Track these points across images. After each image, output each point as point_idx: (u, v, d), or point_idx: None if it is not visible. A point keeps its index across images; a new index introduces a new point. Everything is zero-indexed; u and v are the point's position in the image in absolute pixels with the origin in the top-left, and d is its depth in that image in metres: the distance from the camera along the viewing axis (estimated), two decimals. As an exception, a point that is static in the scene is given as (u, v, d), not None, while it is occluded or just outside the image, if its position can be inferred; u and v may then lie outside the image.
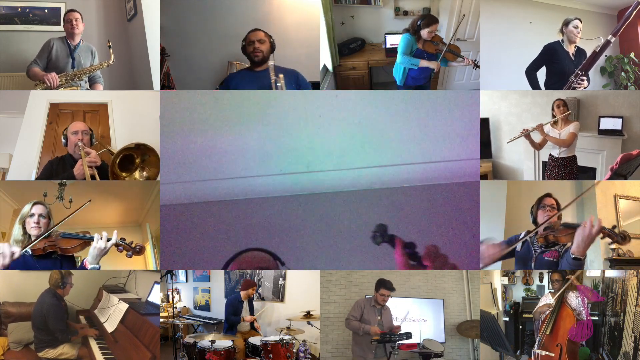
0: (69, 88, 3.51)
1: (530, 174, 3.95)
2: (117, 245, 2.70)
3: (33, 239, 2.72)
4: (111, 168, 3.05)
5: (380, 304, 3.43)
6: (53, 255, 2.75)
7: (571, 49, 3.51)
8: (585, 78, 3.36)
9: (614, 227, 2.69)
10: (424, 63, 3.61)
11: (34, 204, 2.79)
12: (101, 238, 2.65)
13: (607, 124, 3.72)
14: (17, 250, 2.62)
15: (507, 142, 3.62)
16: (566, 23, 3.48)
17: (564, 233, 2.76)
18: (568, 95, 3.73)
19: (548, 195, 2.97)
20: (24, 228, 2.76)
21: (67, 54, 3.55)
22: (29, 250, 2.69)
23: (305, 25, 3.86)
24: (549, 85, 3.54)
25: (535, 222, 2.95)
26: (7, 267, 2.62)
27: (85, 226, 2.81)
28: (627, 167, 3.12)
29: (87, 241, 2.72)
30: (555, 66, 3.51)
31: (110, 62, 3.56)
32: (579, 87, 3.39)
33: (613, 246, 3.34)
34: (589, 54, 3.43)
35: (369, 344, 3.32)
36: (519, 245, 2.91)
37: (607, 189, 3.64)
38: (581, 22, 3.48)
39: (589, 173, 3.73)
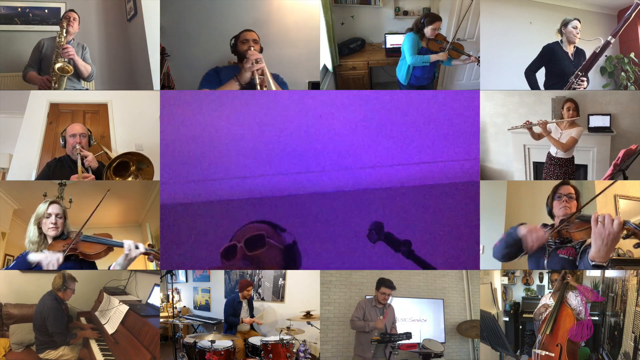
0: (70, 80, 3.49)
1: (520, 176, 3.95)
2: (146, 253, 2.66)
3: (50, 240, 2.69)
4: (105, 171, 3.05)
5: (381, 303, 3.43)
6: (72, 257, 2.68)
7: (570, 50, 3.51)
8: (585, 79, 3.36)
9: None
10: (434, 58, 3.63)
11: (50, 203, 2.73)
12: (136, 247, 2.61)
13: (596, 121, 3.75)
14: (61, 256, 2.59)
15: (508, 130, 3.62)
16: (565, 24, 3.47)
17: (578, 228, 2.37)
18: (557, 94, 3.75)
19: (565, 182, 2.67)
20: (39, 229, 2.69)
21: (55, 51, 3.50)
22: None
23: (305, 25, 3.85)
24: (548, 86, 3.55)
25: (550, 213, 2.68)
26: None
27: (86, 226, 2.77)
28: (628, 162, 3.12)
29: (110, 247, 2.67)
30: (555, 67, 3.51)
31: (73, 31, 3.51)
32: (579, 88, 3.39)
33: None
34: (588, 54, 3.42)
35: (368, 344, 3.32)
36: None
37: (606, 189, 3.64)
38: (580, 22, 3.47)
39: (581, 170, 3.75)
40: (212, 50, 3.90)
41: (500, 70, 3.75)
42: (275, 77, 3.21)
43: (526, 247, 2.40)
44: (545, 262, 2.57)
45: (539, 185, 3.66)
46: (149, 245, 2.68)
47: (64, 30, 3.47)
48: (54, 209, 2.72)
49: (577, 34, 3.46)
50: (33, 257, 2.59)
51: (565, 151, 3.46)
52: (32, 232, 2.70)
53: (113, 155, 3.24)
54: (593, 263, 2.21)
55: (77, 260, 2.71)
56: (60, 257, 2.59)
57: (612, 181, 2.98)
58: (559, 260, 2.53)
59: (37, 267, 2.64)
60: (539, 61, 3.54)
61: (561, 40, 3.51)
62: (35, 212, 2.72)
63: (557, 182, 2.73)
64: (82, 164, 3.12)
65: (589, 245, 2.30)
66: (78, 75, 3.55)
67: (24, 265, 2.60)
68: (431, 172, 3.72)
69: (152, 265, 3.86)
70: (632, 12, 3.18)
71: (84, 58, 3.59)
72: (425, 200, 3.60)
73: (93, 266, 2.80)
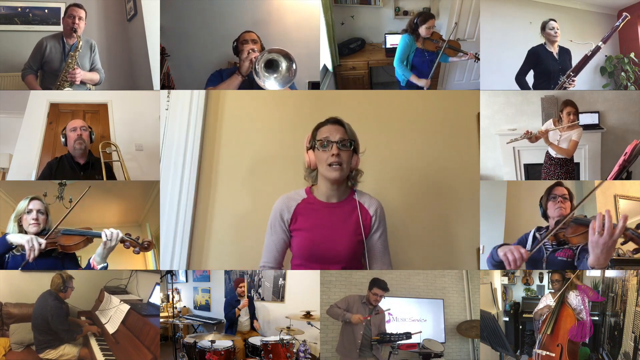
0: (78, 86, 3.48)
1: (511, 179, 3.96)
2: (122, 241, 2.59)
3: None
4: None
5: (372, 304, 3.40)
6: (53, 253, 2.64)
7: (554, 49, 3.58)
8: (575, 79, 3.42)
9: (638, 226, 2.20)
10: (413, 79, 3.63)
11: (31, 199, 2.68)
12: (109, 238, 2.54)
13: (585, 119, 3.81)
14: (44, 242, 2.52)
15: (507, 143, 3.63)
16: (542, 27, 3.56)
17: (575, 232, 2.33)
18: (546, 94, 3.84)
19: (559, 184, 2.69)
20: (20, 226, 2.64)
21: (60, 57, 3.45)
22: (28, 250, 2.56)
23: (305, 25, 3.85)
24: (537, 86, 3.61)
25: (544, 215, 2.71)
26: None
27: (84, 226, 2.74)
28: (634, 158, 3.12)
29: (89, 238, 2.63)
30: (541, 67, 3.58)
31: (80, 45, 3.45)
32: (569, 88, 3.45)
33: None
34: (574, 54, 3.55)
35: (354, 342, 3.28)
36: (529, 243, 2.62)
37: (607, 189, 3.65)
38: (556, 21, 3.55)
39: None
40: (212, 50, 3.90)
41: (500, 70, 3.76)
42: (291, 86, 3.24)
43: (507, 266, 2.37)
44: (544, 265, 2.61)
45: (539, 185, 3.66)
46: (127, 234, 2.61)
47: (77, 50, 3.42)
48: (35, 204, 2.66)
49: (556, 33, 3.53)
50: (13, 238, 2.52)
51: (570, 156, 3.47)
52: (11, 229, 2.64)
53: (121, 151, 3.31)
54: (592, 269, 2.20)
55: (58, 256, 2.67)
56: (43, 242, 2.52)
57: (600, 182, 3.01)
58: (557, 263, 2.58)
59: (15, 262, 2.59)
60: (526, 65, 3.60)
61: (545, 43, 3.58)
62: (16, 209, 2.67)
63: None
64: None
65: (587, 245, 2.25)
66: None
67: (4, 247, 2.51)
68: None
69: (152, 265, 3.87)
70: (621, 23, 3.31)
71: (93, 60, 3.56)
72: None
73: (74, 262, 2.77)
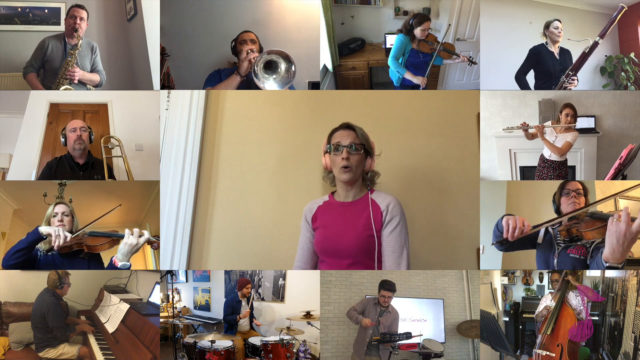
0: (77, 86, 3.48)
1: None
2: (150, 242, 2.66)
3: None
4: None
5: (382, 305, 3.44)
6: (80, 255, 2.77)
7: (555, 49, 3.59)
8: (575, 78, 3.43)
9: None
10: (408, 76, 3.63)
11: (56, 204, 2.84)
12: (132, 234, 2.61)
13: (582, 123, 3.82)
14: (69, 236, 2.66)
15: (503, 130, 3.63)
16: (547, 26, 3.57)
17: (590, 227, 2.22)
18: (543, 96, 3.84)
19: (573, 179, 2.67)
20: None
21: (61, 57, 3.48)
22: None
23: (305, 25, 3.86)
24: (538, 86, 3.62)
25: (558, 211, 2.60)
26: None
27: (94, 227, 2.84)
28: (629, 161, 3.13)
29: (115, 239, 2.72)
30: (542, 67, 3.59)
31: (80, 43, 3.47)
32: (570, 87, 3.45)
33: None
34: (573, 53, 3.54)
35: (364, 342, 3.31)
36: (541, 235, 2.51)
37: (607, 189, 3.64)
38: (560, 22, 3.56)
39: (569, 171, 3.77)
40: (212, 50, 3.90)
41: (500, 70, 3.76)
42: (290, 87, 3.24)
43: (505, 234, 2.26)
44: (555, 261, 2.52)
45: (539, 185, 3.66)
46: (155, 236, 2.71)
47: (77, 49, 3.44)
48: (60, 208, 2.82)
49: (559, 33, 3.55)
50: (43, 228, 2.64)
51: (560, 156, 3.46)
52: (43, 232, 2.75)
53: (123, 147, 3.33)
54: (607, 264, 2.05)
55: (85, 258, 2.80)
56: (69, 235, 2.65)
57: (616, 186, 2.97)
58: (569, 260, 2.46)
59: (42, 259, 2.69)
60: (527, 64, 3.61)
61: (546, 42, 3.59)
62: (45, 215, 2.82)
63: (557, 182, 2.74)
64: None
65: (601, 243, 2.18)
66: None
67: (35, 235, 2.62)
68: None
69: (152, 265, 3.87)
70: (617, 15, 3.28)
71: (94, 62, 3.58)
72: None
73: (100, 263, 2.86)
